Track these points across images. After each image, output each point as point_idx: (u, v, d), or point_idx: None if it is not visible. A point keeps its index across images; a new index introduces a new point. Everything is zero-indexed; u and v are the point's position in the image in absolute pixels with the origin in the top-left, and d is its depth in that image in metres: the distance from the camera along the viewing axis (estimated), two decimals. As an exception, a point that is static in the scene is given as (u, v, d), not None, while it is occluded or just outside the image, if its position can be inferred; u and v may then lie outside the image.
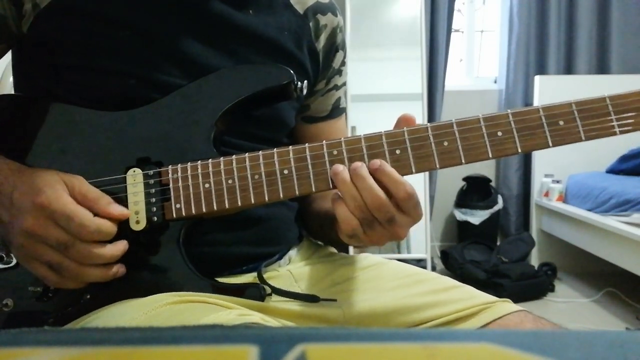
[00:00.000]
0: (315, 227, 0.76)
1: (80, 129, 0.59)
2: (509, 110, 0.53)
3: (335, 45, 0.75)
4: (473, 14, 3.07)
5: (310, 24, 0.72)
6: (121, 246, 0.53)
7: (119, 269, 0.54)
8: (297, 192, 0.55)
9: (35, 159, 0.57)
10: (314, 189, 0.54)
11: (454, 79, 3.01)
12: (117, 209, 0.54)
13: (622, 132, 0.51)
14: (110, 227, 0.53)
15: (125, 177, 0.56)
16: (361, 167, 0.52)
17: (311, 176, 0.54)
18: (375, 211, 0.51)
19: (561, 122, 0.52)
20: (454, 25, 2.87)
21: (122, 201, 0.56)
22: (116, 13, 0.59)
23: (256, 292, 0.57)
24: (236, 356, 0.18)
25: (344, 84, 0.80)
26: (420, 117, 2.51)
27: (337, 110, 0.79)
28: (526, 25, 2.79)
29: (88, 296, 0.56)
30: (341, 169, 0.52)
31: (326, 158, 0.54)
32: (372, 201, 0.51)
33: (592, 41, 2.79)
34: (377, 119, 2.49)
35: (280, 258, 0.69)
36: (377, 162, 0.52)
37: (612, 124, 0.51)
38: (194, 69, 0.61)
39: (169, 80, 0.60)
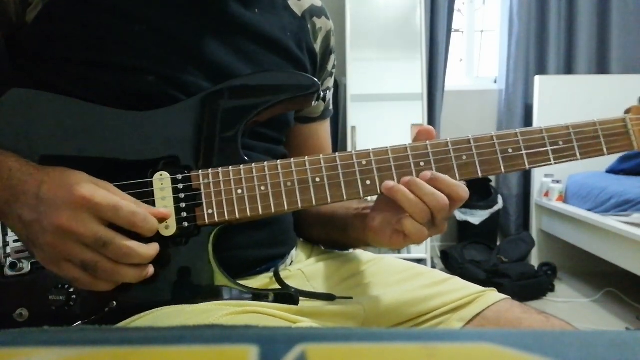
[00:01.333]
0: (320, 232, 0.77)
1: (101, 128, 0.56)
2: (517, 130, 0.59)
3: (329, 48, 0.77)
4: (473, 14, 3.07)
5: (309, 26, 0.73)
6: (156, 246, 0.52)
7: (149, 270, 0.52)
8: (329, 200, 0.56)
9: (52, 160, 0.53)
10: (345, 197, 0.56)
11: (454, 79, 3.01)
12: (160, 209, 0.52)
13: (609, 153, 0.60)
14: (156, 222, 0.51)
15: (152, 181, 0.55)
16: (414, 178, 0.55)
17: (342, 185, 0.56)
18: (437, 212, 0.54)
19: (561, 143, 0.59)
20: (454, 25, 2.87)
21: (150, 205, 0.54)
22: (131, 7, 0.58)
23: (290, 296, 0.57)
24: (236, 356, 0.18)
25: (332, 86, 0.82)
26: (420, 117, 2.50)
27: (327, 112, 0.82)
28: (526, 25, 2.79)
29: (114, 304, 0.53)
30: (403, 188, 0.54)
31: (356, 168, 0.57)
32: (437, 204, 0.54)
33: (592, 41, 2.79)
34: (377, 119, 2.50)
35: (286, 258, 0.70)
36: (427, 173, 0.55)
37: (601, 146, 0.59)
38: (209, 67, 0.61)
39: (185, 78, 0.59)
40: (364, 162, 0.57)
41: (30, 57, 0.60)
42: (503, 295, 0.67)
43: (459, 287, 0.69)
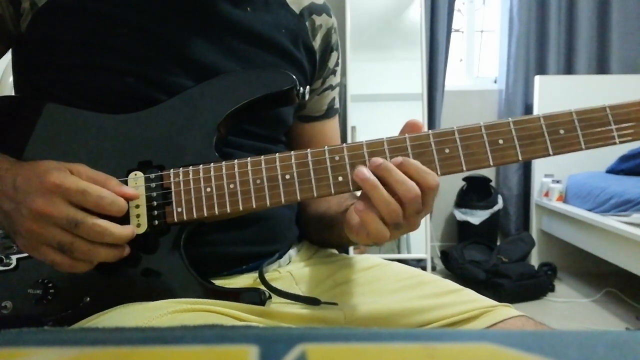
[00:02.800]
0: (312, 231, 0.76)
1: (81, 131, 0.58)
2: (510, 119, 0.53)
3: (330, 46, 0.76)
4: (473, 14, 3.07)
5: (307, 23, 0.72)
6: (131, 228, 0.53)
7: (125, 250, 0.53)
8: (298, 197, 0.55)
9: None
10: (315, 194, 0.54)
11: (454, 79, 3.01)
12: (128, 189, 0.54)
13: (621, 142, 0.52)
14: (124, 203, 0.53)
15: (126, 180, 0.56)
16: (385, 161, 0.51)
17: (313, 182, 0.55)
18: (409, 203, 0.50)
19: (562, 131, 0.52)
20: (454, 25, 2.87)
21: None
22: (114, 11, 0.59)
23: (257, 297, 0.57)
24: (236, 356, 0.18)
25: (338, 84, 0.81)
26: (420, 117, 2.50)
27: (332, 110, 0.80)
28: (526, 25, 2.78)
29: (88, 299, 0.55)
30: (367, 174, 0.51)
31: (328, 164, 0.55)
32: (408, 194, 0.50)
33: (592, 41, 2.79)
34: (377, 119, 2.50)
35: (280, 257, 0.69)
36: (398, 158, 0.51)
37: (612, 134, 0.52)
38: (194, 67, 0.61)
39: (168, 78, 0.60)
40: (336, 158, 0.54)
41: (27, 64, 0.63)
42: (517, 312, 0.62)
43: (467, 300, 0.64)
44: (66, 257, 0.51)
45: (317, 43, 0.74)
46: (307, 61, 0.72)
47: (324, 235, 0.72)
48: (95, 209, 0.50)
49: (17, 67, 0.66)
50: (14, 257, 0.56)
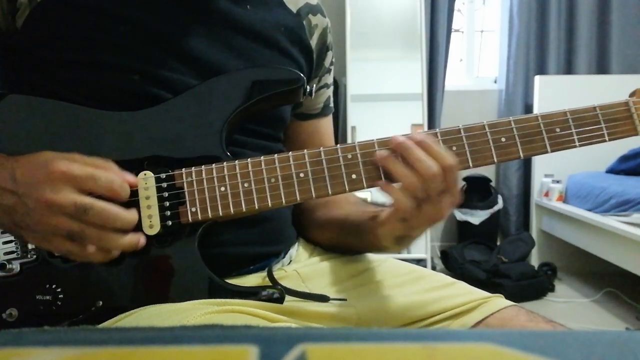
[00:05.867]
0: (330, 236, 0.75)
1: (88, 130, 0.57)
2: (511, 118, 0.57)
3: (326, 45, 0.77)
4: (473, 14, 3.07)
5: (304, 22, 0.73)
6: (135, 213, 0.53)
7: (140, 238, 0.52)
8: (313, 195, 0.55)
9: None
10: (330, 192, 0.56)
11: (454, 79, 3.01)
12: (129, 175, 0.53)
13: (610, 139, 0.57)
14: (128, 188, 0.52)
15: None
16: (405, 139, 0.55)
17: (327, 179, 0.55)
18: (429, 181, 0.53)
19: (558, 129, 0.56)
20: (454, 25, 2.87)
21: (133, 205, 0.54)
22: (116, 7, 0.59)
23: (277, 295, 0.57)
24: (236, 356, 0.18)
25: (332, 83, 0.82)
26: (420, 117, 2.50)
27: (327, 109, 0.81)
28: (526, 25, 2.78)
29: (100, 303, 0.54)
30: (385, 153, 0.55)
31: (341, 162, 0.56)
32: (427, 171, 0.53)
33: (592, 41, 2.79)
34: (377, 119, 2.50)
35: (283, 257, 0.69)
36: (418, 135, 0.54)
37: (602, 132, 0.56)
38: (196, 64, 0.61)
39: (172, 76, 0.60)
40: (349, 156, 0.56)
41: (22, 61, 0.61)
42: (509, 302, 0.65)
43: (463, 292, 0.67)
44: (78, 246, 0.50)
45: (314, 42, 0.74)
46: (304, 59, 0.73)
47: (348, 241, 0.71)
48: (106, 193, 0.50)
49: (6, 65, 0.64)
50: (16, 263, 0.54)
